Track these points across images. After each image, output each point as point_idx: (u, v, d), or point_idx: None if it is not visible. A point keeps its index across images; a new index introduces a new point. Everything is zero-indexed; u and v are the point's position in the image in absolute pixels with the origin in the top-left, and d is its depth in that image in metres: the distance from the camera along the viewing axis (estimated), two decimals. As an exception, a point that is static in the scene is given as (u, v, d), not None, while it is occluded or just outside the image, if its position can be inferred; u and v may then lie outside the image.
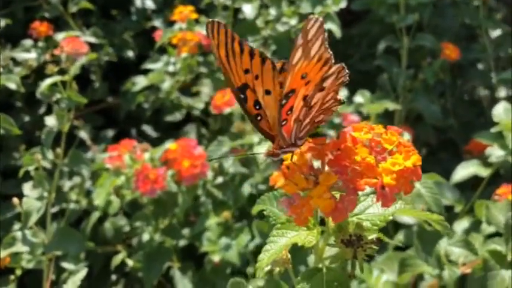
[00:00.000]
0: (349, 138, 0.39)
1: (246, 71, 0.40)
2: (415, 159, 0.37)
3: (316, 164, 0.40)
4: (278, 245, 0.40)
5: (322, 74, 0.38)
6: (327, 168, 0.39)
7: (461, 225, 1.10)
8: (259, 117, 0.41)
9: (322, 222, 0.42)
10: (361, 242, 0.39)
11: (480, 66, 1.78)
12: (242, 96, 0.41)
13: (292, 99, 0.38)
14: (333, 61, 0.40)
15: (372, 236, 0.39)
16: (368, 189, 0.39)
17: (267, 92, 0.41)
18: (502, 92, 1.70)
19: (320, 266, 0.42)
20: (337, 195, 0.38)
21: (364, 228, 0.39)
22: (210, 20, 0.40)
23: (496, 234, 0.97)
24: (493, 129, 1.04)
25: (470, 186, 1.30)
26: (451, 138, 1.67)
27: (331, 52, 0.39)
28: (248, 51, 0.40)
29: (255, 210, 0.49)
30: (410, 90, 1.49)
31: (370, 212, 0.41)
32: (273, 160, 0.39)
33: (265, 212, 0.45)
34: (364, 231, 0.39)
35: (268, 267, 0.46)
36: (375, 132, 0.39)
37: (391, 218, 0.40)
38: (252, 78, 0.40)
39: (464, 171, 1.19)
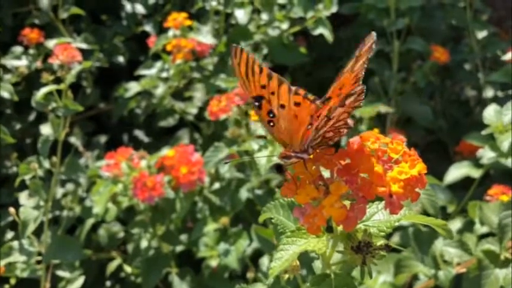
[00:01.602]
0: (356, 148, 0.40)
1: (263, 87, 0.43)
2: (420, 167, 0.39)
3: (325, 173, 0.41)
4: (289, 252, 0.41)
5: (350, 90, 0.40)
6: (335, 177, 0.40)
7: (454, 225, 1.12)
8: (271, 124, 0.43)
9: (329, 229, 0.43)
10: (370, 249, 0.40)
11: (467, 66, 1.80)
12: (257, 104, 0.43)
13: (325, 106, 0.41)
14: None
15: (380, 242, 0.41)
16: None
17: (282, 106, 0.43)
18: (489, 92, 1.73)
19: (328, 271, 0.43)
20: (346, 204, 0.39)
21: (371, 235, 0.41)
22: (234, 45, 0.43)
23: (489, 234, 0.99)
24: (484, 132, 1.06)
25: (460, 186, 1.32)
26: (439, 139, 1.70)
27: (363, 73, 0.42)
28: (266, 73, 0.43)
29: (261, 218, 0.50)
30: (401, 93, 1.52)
31: (376, 218, 0.43)
32: (284, 163, 0.41)
33: (273, 221, 0.46)
34: (372, 237, 0.40)
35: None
36: (382, 142, 0.41)
37: (397, 224, 0.41)
38: (268, 93, 0.44)
39: (456, 172, 1.21)
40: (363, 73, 0.42)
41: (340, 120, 0.41)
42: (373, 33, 0.43)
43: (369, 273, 0.40)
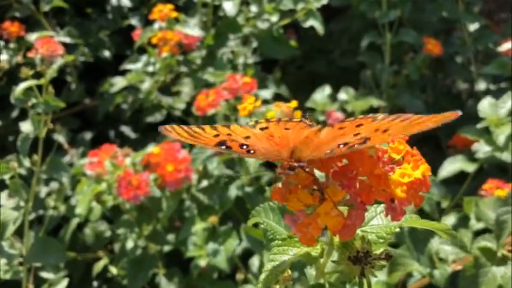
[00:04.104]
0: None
1: (216, 135, 0.42)
2: (423, 168, 0.35)
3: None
4: (280, 263, 0.38)
5: None
6: (331, 180, 0.36)
7: (448, 221, 1.09)
8: (252, 152, 0.41)
9: (323, 233, 0.40)
10: (369, 259, 0.36)
11: (458, 59, 1.78)
12: (224, 147, 0.41)
13: None
14: None
15: (380, 251, 0.37)
16: None
17: (247, 137, 0.42)
18: (481, 85, 1.71)
19: (322, 281, 0.39)
20: (343, 209, 0.35)
21: (370, 242, 0.37)
22: (162, 127, 0.43)
23: (485, 230, 0.97)
24: (479, 125, 1.03)
25: (453, 181, 1.30)
26: (431, 132, 1.68)
27: None
28: (210, 127, 0.43)
29: (250, 223, 0.46)
30: (394, 86, 1.49)
31: (374, 223, 0.39)
32: (288, 173, 0.37)
33: (262, 226, 0.43)
34: (370, 245, 0.37)
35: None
36: (381, 141, 0.37)
37: (397, 230, 0.38)
38: (225, 136, 0.42)
39: (450, 166, 1.19)
40: None
41: None
42: None
43: (368, 286, 0.36)
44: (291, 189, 0.36)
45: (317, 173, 0.37)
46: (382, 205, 0.37)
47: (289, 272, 0.41)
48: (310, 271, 0.44)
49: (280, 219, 0.44)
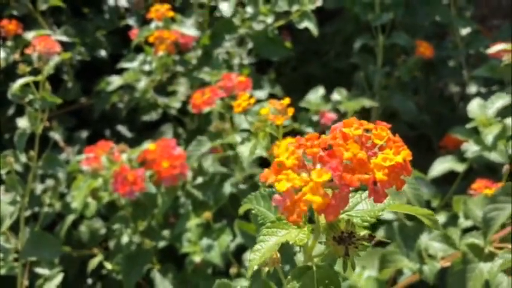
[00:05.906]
0: (339, 134, 0.39)
1: None
2: (405, 154, 0.37)
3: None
4: (269, 244, 0.39)
5: None
6: (318, 164, 0.38)
7: (438, 219, 1.11)
8: None
9: (311, 220, 0.42)
10: (353, 239, 0.38)
11: (451, 63, 1.81)
12: None
13: None
14: None
15: (364, 233, 0.39)
16: None
17: None
18: (472, 89, 1.74)
19: (310, 264, 0.41)
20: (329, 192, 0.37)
21: (355, 225, 0.39)
22: None
23: (473, 228, 0.99)
24: (469, 125, 1.06)
25: (443, 180, 1.32)
26: (423, 133, 1.70)
27: None
28: None
29: (242, 210, 0.48)
30: (386, 88, 1.51)
31: (359, 208, 0.41)
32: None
33: (253, 212, 0.45)
34: (355, 228, 0.39)
35: (256, 267, 0.45)
36: (365, 128, 0.39)
37: (381, 214, 0.40)
38: None
39: (440, 166, 1.21)
40: None
41: None
42: None
43: (352, 265, 0.38)
44: (278, 171, 0.38)
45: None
46: (367, 191, 0.39)
47: (278, 254, 0.43)
48: (299, 258, 0.46)
49: (271, 205, 0.45)
